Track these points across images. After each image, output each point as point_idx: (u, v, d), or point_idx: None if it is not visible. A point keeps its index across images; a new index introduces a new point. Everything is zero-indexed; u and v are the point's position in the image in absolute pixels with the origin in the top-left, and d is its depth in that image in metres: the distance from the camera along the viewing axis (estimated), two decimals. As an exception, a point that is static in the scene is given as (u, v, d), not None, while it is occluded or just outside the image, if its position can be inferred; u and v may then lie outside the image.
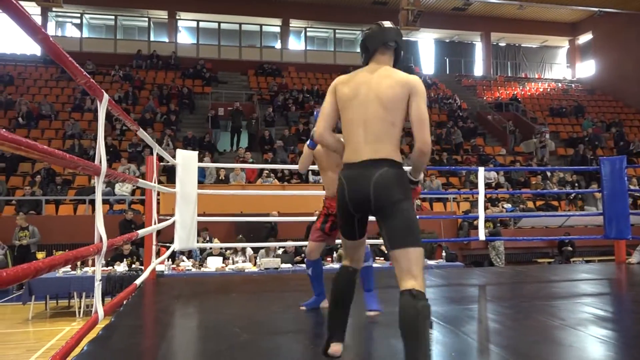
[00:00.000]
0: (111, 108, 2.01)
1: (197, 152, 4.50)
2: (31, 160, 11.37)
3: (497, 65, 23.04)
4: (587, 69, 22.54)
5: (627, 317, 3.33)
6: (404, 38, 2.72)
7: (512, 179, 13.26)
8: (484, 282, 4.63)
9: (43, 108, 13.81)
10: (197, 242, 8.20)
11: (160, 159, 4.48)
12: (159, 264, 7.04)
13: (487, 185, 13.01)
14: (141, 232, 2.72)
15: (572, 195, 12.30)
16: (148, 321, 3.02)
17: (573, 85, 22.16)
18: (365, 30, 2.34)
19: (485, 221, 10.78)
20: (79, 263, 7.15)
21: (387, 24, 2.25)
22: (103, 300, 6.94)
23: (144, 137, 2.69)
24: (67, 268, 7.15)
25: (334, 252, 8.02)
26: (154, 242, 3.93)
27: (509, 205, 11.90)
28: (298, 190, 10.24)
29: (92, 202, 10.21)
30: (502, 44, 23.20)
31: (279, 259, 7.29)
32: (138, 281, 2.71)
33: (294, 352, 2.48)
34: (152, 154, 3.37)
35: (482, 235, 4.99)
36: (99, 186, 1.73)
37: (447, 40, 22.50)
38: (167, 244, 4.74)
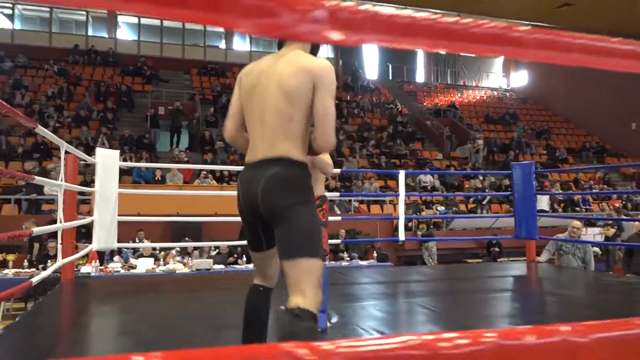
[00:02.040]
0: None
1: (118, 152, 4.47)
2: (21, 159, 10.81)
3: (437, 73, 23.83)
4: (521, 78, 23.72)
5: (484, 305, 3.60)
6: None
7: (447, 182, 13.78)
8: (392, 279, 4.84)
9: (-32, 102, 13.09)
10: (132, 242, 8.11)
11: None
12: (85, 265, 6.91)
13: (424, 189, 13.47)
14: (37, 230, 2.69)
15: (487, 198, 12.86)
16: (53, 321, 2.99)
17: (507, 94, 23.25)
18: None
19: (419, 223, 11.33)
20: (10, 264, 6.87)
21: None
22: (26, 302, 6.65)
23: (45, 134, 2.67)
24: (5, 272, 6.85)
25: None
26: (59, 242, 3.87)
27: (443, 208, 12.37)
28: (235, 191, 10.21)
29: (18, 202, 9.80)
30: (442, 52, 23.96)
31: (211, 260, 7.28)
32: (35, 279, 2.68)
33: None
34: (47, 153, 3.32)
35: (402, 236, 5.20)
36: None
37: (390, 47, 23.02)
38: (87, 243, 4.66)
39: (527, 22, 19.33)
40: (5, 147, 11.52)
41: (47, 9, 18.23)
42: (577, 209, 13.24)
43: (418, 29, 0.70)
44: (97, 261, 6.90)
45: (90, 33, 18.68)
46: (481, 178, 13.99)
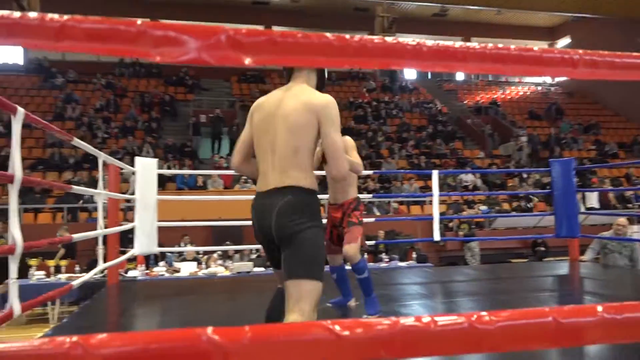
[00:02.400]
0: (30, 121, 2.15)
1: (156, 160, 4.65)
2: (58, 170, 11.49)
3: (478, 70, 23.38)
4: (567, 72, 22.93)
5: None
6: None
7: (488, 181, 13.50)
8: (428, 280, 4.81)
9: (24, 117, 13.86)
10: (178, 246, 8.39)
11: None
12: (132, 270, 7.20)
13: (465, 188, 13.25)
14: (76, 236, 2.86)
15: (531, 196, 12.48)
16: (97, 322, 3.16)
17: (552, 88, 22.53)
18: None
19: (461, 223, 11.15)
20: (52, 270, 7.25)
21: None
22: (78, 306, 6.98)
23: (83, 147, 2.84)
24: (42, 275, 7.24)
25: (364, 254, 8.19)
26: (100, 247, 4.06)
27: (485, 207, 12.12)
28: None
29: (71, 211, 10.30)
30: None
31: (251, 263, 7.42)
32: (75, 283, 2.85)
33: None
34: (97, 163, 3.51)
35: (437, 236, 5.16)
36: (14, 194, 1.87)
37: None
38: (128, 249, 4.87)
39: (570, 14, 18.70)
40: (59, 159, 12.13)
41: (95, 25, 19.04)
42: (630, 205, 12.69)
43: (305, 48, 0.82)
44: (143, 265, 7.17)
45: (134, 46, 19.38)
46: (525, 176, 13.63)
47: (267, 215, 1.87)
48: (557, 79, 23.42)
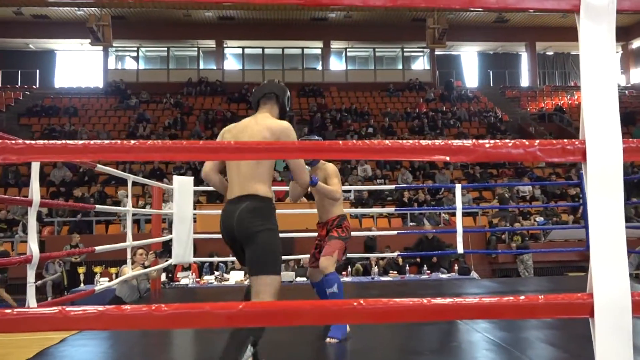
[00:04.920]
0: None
1: (192, 178, 5.13)
2: (86, 185, 12.60)
3: (544, 75, 22.56)
4: (643, 74, 21.61)
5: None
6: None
7: (548, 191, 13.06)
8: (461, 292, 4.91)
9: (101, 136, 15.20)
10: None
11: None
12: (184, 278, 7.78)
13: (522, 199, 12.91)
14: (100, 248, 3.33)
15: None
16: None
17: (627, 91, 21.28)
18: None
19: (514, 234, 10.89)
20: (114, 276, 7.97)
21: (270, 80, 2.64)
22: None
23: (106, 170, 3.31)
24: (106, 282, 7.98)
25: (349, 267, 8.42)
26: (129, 257, 4.55)
27: (542, 219, 11.76)
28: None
29: (137, 222, 11.19)
30: (550, 53, 22.71)
31: (293, 273, 7.77)
32: (97, 288, 3.31)
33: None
34: (126, 184, 3.98)
35: (460, 248, 5.25)
36: (33, 215, 2.32)
37: (491, 52, 22.36)
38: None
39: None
40: (129, 172, 13.17)
41: (165, 48, 20.47)
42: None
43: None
44: (194, 274, 7.73)
45: (201, 66, 20.60)
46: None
47: (230, 218, 2.26)
48: (633, 81, 22.09)
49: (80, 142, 1.03)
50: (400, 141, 1.10)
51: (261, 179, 2.29)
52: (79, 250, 3.03)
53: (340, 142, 1.09)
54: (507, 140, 1.17)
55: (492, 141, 1.18)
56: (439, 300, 1.03)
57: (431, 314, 1.04)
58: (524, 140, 1.17)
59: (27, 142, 1.02)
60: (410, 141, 1.14)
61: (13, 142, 1.01)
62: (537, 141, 1.20)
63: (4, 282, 8.62)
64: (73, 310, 0.98)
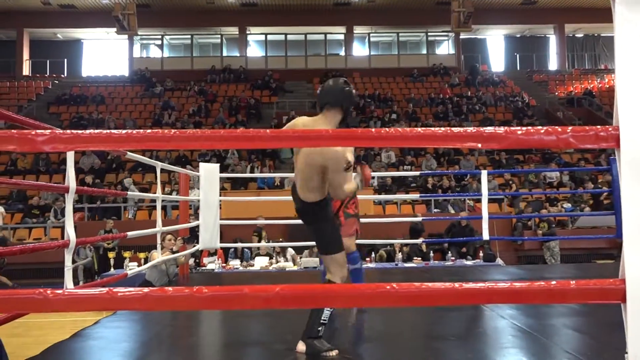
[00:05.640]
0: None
1: (218, 165, 5.21)
2: (115, 172, 12.88)
3: (573, 58, 22.00)
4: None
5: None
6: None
7: (576, 177, 12.82)
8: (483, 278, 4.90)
9: (127, 124, 15.46)
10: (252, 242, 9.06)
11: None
12: (210, 263, 7.94)
13: (549, 185, 12.70)
14: (131, 234, 3.43)
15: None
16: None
17: (660, 74, 20.60)
18: (326, 81, 2.71)
19: (540, 221, 10.74)
20: (142, 261, 8.17)
21: (341, 84, 2.58)
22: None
23: (136, 158, 3.40)
24: (135, 266, 8.19)
25: (373, 253, 8.45)
26: (158, 242, 4.66)
27: (569, 205, 11.58)
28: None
29: (164, 208, 11.40)
30: (579, 35, 22.11)
31: (317, 259, 7.84)
32: (130, 272, 3.41)
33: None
34: (155, 170, 4.05)
35: (485, 235, 5.23)
36: (70, 201, 2.40)
37: (518, 35, 21.89)
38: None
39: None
40: (155, 159, 13.40)
41: (189, 36, 20.61)
42: None
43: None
44: (220, 259, 7.87)
45: (224, 53, 20.67)
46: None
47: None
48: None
49: (124, 131, 1.08)
50: (432, 129, 1.12)
51: (313, 189, 2.53)
52: (112, 235, 3.16)
53: (373, 129, 1.11)
54: (539, 127, 1.18)
55: (523, 128, 1.18)
56: (470, 285, 1.05)
57: (463, 298, 1.06)
58: (557, 127, 1.18)
59: (74, 132, 1.07)
60: (442, 128, 1.15)
61: (61, 132, 1.06)
62: (570, 128, 1.20)
63: (1, 267, 9.00)
64: (120, 291, 1.03)
